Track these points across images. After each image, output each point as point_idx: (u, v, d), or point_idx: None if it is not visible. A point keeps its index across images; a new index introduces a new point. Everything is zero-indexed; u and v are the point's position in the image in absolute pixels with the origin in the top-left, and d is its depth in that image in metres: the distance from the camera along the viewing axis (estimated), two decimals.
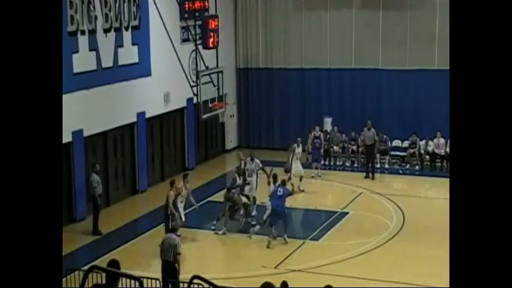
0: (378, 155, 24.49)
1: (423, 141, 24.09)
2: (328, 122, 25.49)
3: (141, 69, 21.12)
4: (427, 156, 24.07)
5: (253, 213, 18.52)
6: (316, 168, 22.92)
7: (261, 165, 19.44)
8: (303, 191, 21.08)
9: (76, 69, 18.36)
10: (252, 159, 19.39)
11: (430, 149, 23.99)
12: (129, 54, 20.56)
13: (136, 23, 20.81)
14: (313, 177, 22.91)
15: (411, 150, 24.23)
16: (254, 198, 18.73)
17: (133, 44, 20.72)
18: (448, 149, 23.06)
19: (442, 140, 23.48)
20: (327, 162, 24.83)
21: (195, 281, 8.04)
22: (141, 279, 6.74)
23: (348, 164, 24.63)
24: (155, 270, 13.88)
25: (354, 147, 24.67)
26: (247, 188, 18.92)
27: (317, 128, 23.60)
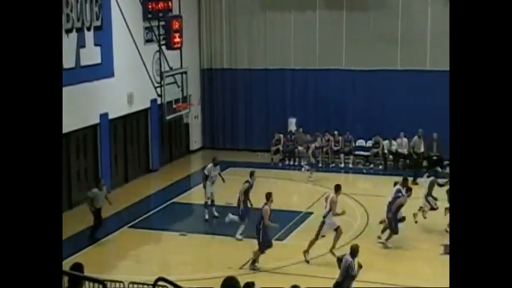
0: (348, 156, 24.72)
1: (386, 141, 24.33)
2: (292, 122, 25.58)
3: (103, 70, 20.91)
4: (391, 156, 24.31)
5: (216, 214, 18.97)
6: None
7: (219, 170, 19.36)
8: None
9: None
10: (216, 165, 19.18)
11: (393, 148, 24.24)
12: (92, 55, 20.34)
13: (98, 23, 20.60)
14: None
15: (375, 150, 24.45)
16: (213, 201, 18.97)
17: (95, 44, 20.50)
18: (410, 148, 23.35)
19: (405, 140, 23.74)
20: (291, 163, 24.98)
21: (160, 283, 8.00)
22: (105, 282, 6.69)
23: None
24: (118, 272, 13.74)
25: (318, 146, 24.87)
26: (209, 191, 18.87)
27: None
